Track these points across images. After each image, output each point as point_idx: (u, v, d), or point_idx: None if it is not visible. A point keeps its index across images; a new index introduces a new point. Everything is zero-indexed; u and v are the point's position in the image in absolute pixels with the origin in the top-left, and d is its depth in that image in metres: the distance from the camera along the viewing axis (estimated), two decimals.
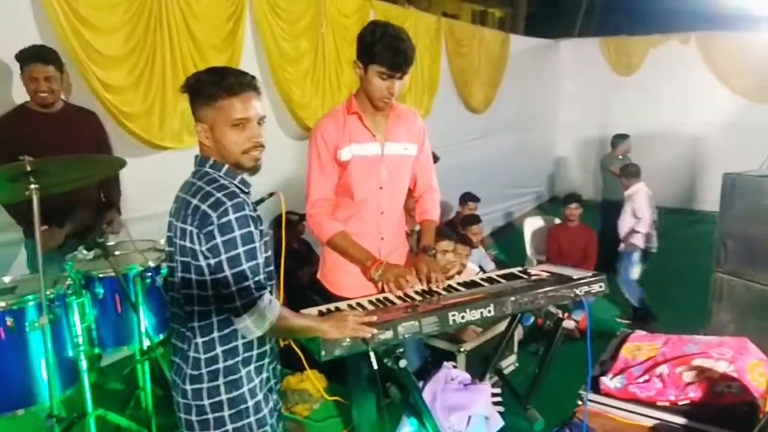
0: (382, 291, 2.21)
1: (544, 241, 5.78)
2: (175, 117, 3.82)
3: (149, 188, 3.67)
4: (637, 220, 5.27)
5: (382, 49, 2.11)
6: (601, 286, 2.21)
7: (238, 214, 1.55)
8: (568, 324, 4.87)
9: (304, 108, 4.81)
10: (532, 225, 6.19)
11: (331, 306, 2.05)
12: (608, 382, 2.00)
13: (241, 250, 1.55)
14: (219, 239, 1.53)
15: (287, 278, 3.41)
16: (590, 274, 2.22)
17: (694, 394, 1.88)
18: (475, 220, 5.26)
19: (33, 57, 2.81)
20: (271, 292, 1.67)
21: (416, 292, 2.14)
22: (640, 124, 8.65)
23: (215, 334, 1.63)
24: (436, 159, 6.66)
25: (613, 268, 6.32)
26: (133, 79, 3.57)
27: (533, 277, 2.28)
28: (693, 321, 4.45)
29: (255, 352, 1.70)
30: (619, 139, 6.62)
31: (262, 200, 3.22)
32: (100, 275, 2.48)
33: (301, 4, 4.75)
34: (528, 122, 9.18)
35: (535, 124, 9.50)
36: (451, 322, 1.90)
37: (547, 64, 9.80)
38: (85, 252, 2.53)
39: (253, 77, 1.67)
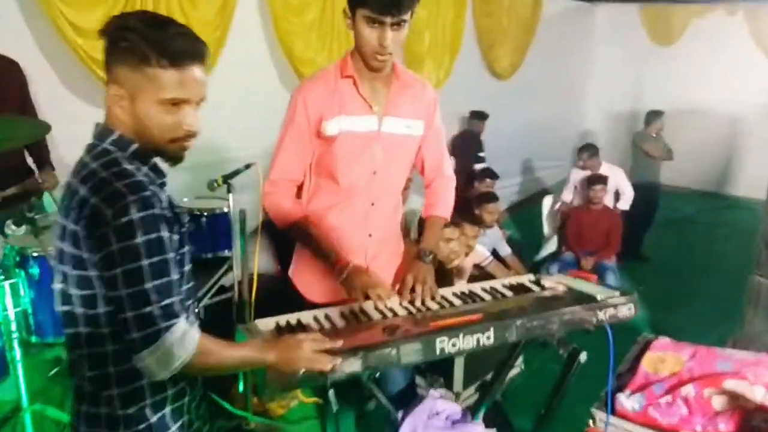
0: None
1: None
2: None
3: None
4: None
5: None
6: (630, 309, 1.80)
7: (142, 213, 1.15)
8: None
9: (307, 63, 4.33)
10: (551, 203, 5.74)
11: (293, 317, 1.66)
12: (625, 401, 1.74)
13: (144, 262, 1.15)
14: (115, 246, 1.14)
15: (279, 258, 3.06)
16: (617, 293, 1.81)
17: (725, 426, 1.65)
18: (492, 198, 4.80)
19: None
20: (188, 317, 1.28)
21: (401, 304, 1.75)
22: (675, 99, 8.05)
23: (110, 369, 1.25)
24: (484, 116, 6.22)
25: (639, 255, 5.98)
26: None
27: (547, 292, 1.87)
28: (722, 324, 4.06)
29: (170, 392, 1.31)
30: (653, 115, 6.14)
31: (237, 172, 2.84)
32: (35, 253, 2.13)
33: None
34: (556, 91, 8.57)
35: (563, 94, 8.88)
36: (438, 351, 1.51)
37: (581, 29, 9.11)
38: (14, 227, 2.17)
39: (205, 44, 1.25)
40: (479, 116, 6.39)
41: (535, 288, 1.92)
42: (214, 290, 3.14)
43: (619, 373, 1.92)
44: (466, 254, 3.77)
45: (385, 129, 1.90)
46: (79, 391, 1.29)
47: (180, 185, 3.16)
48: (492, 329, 1.58)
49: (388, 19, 1.70)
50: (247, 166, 2.56)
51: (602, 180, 5.14)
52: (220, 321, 2.96)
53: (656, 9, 9.04)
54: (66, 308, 1.25)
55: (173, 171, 3.60)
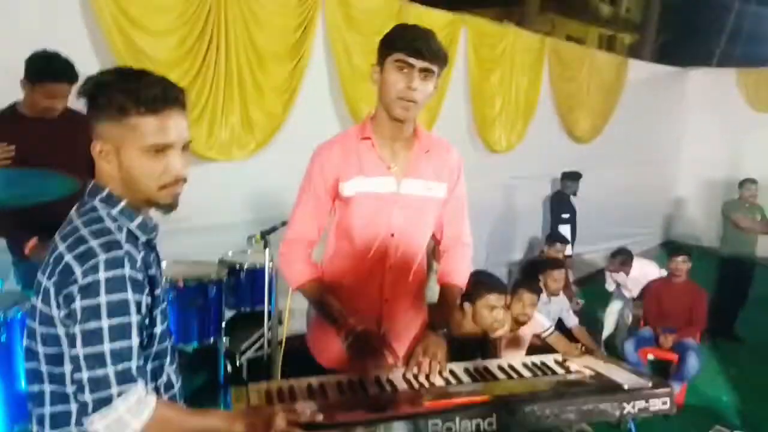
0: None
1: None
2: (224, 129, 3.62)
3: (190, 200, 3.46)
4: None
5: (401, 33, 1.73)
6: (665, 403, 1.60)
7: (110, 273, 1.15)
8: None
9: None
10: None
11: (286, 384, 1.62)
12: None
13: (104, 323, 1.13)
14: (78, 303, 1.14)
15: None
16: (650, 384, 1.62)
17: None
18: (557, 264, 4.58)
19: (52, 74, 2.48)
20: (156, 378, 1.26)
21: (404, 377, 1.66)
22: None
23: (73, 429, 1.23)
24: (576, 176, 6.13)
25: (732, 335, 5.44)
26: (183, 86, 3.36)
27: (571, 376, 1.72)
28: None
29: None
30: (745, 183, 5.69)
31: (274, 228, 2.91)
32: None
33: (381, 16, 4.40)
34: (643, 156, 8.20)
35: (652, 159, 8.49)
36: None
37: (672, 94, 8.76)
38: None
39: (181, 89, 1.28)
40: (569, 177, 6.21)
41: (559, 370, 1.77)
42: (257, 344, 3.16)
43: None
44: (523, 323, 3.58)
45: (404, 190, 1.85)
46: None
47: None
48: (495, 415, 1.46)
49: (419, 63, 1.71)
50: (284, 224, 2.60)
51: (684, 251, 4.78)
52: (264, 376, 2.97)
53: (756, 74, 8.57)
54: (31, 365, 1.24)
55: (246, 224, 3.67)
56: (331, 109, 4.31)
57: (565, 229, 5.96)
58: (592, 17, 21.10)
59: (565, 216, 6.06)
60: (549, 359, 1.85)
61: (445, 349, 1.75)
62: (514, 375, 1.73)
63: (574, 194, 6.20)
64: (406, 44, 1.70)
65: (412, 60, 1.70)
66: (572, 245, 5.96)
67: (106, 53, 3.04)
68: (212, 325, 2.82)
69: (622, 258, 5.18)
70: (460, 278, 1.98)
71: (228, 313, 3.28)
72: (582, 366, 1.78)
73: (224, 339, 2.86)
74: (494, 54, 5.45)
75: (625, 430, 3.76)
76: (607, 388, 1.61)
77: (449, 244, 2.01)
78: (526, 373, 1.74)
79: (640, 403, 1.57)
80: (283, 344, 2.39)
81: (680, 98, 8.90)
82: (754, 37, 13.46)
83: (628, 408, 1.56)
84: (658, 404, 1.59)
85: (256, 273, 3.13)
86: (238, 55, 3.59)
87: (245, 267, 3.18)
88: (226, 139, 3.63)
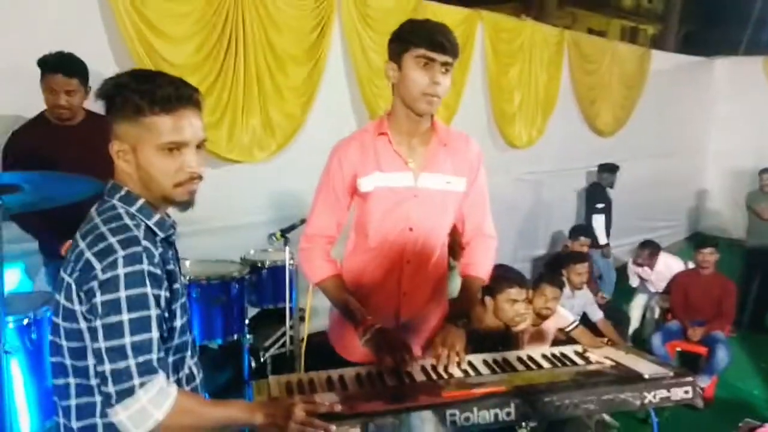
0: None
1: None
2: (245, 131, 3.66)
3: (212, 201, 3.53)
4: None
5: (418, 28, 1.72)
6: (687, 392, 1.59)
7: (129, 269, 1.19)
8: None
9: None
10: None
11: (306, 376, 1.64)
12: None
13: (125, 317, 1.17)
14: (99, 298, 1.18)
15: None
16: (671, 373, 1.60)
17: None
18: (581, 258, 4.53)
19: (54, 66, 2.55)
20: (178, 370, 1.30)
21: (422, 368, 1.67)
22: None
23: (97, 420, 1.27)
24: (612, 168, 6.10)
25: (762, 326, 5.34)
26: (203, 90, 3.33)
27: (591, 366, 1.71)
28: None
29: None
30: (766, 173, 5.56)
31: (293, 227, 2.94)
32: None
33: (397, 15, 4.41)
34: (668, 148, 8.07)
35: (677, 151, 8.34)
36: (448, 424, 1.42)
37: (697, 84, 8.59)
38: None
39: (195, 89, 1.31)
40: (607, 169, 6.18)
41: (579, 361, 1.76)
42: (281, 341, 3.20)
43: None
44: (546, 317, 3.56)
45: (421, 184, 1.86)
46: None
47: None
48: (513, 404, 1.46)
49: (441, 57, 1.71)
50: (303, 221, 2.63)
51: (711, 243, 4.70)
52: (288, 372, 3.00)
53: None
54: (56, 359, 1.29)
55: (267, 224, 3.67)
56: (349, 109, 4.33)
57: (599, 219, 5.93)
58: (613, 9, 20.82)
59: (600, 206, 6.01)
60: (569, 350, 1.84)
61: (464, 341, 1.75)
62: (534, 366, 1.73)
63: (611, 186, 6.16)
64: (427, 39, 1.70)
65: (434, 55, 1.70)
66: (608, 234, 5.95)
67: (127, 60, 3.10)
68: (236, 322, 2.87)
69: (650, 250, 5.11)
70: (481, 270, 1.97)
71: (251, 311, 3.33)
72: (602, 356, 1.77)
73: (248, 336, 2.90)
74: (512, 48, 5.42)
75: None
76: (627, 377, 1.60)
77: (471, 236, 2.01)
78: (546, 364, 1.74)
79: (662, 393, 1.56)
80: (305, 341, 2.41)
81: (706, 88, 8.72)
82: None
83: (649, 397, 1.55)
84: (679, 393, 1.58)
85: (278, 270, 3.17)
86: (256, 58, 3.63)
87: (266, 265, 3.22)
88: (247, 141, 3.67)
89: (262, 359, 3.15)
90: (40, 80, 2.62)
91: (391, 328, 1.79)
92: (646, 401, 1.54)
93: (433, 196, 1.88)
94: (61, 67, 2.57)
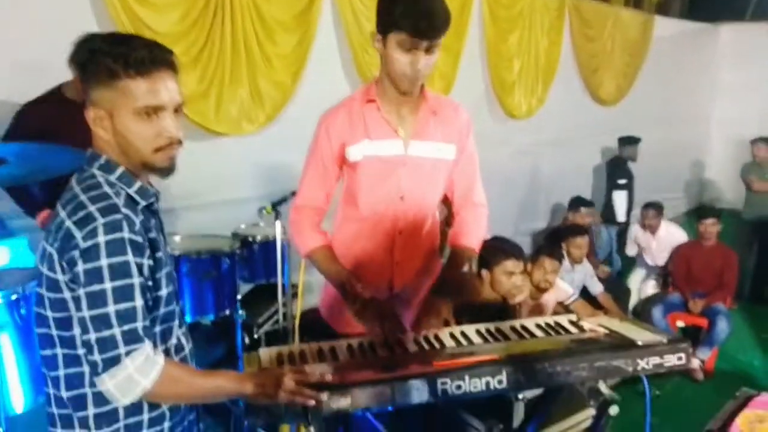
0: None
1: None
2: (233, 102, 3.57)
3: (201, 176, 3.47)
4: None
5: (403, 10, 1.62)
6: (680, 358, 1.53)
7: (110, 237, 1.16)
8: (692, 363, 4.03)
9: None
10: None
11: (297, 348, 1.60)
12: None
13: (107, 285, 1.15)
14: (80, 267, 1.16)
15: None
16: (665, 340, 1.55)
17: None
18: (579, 230, 4.46)
19: None
20: (166, 340, 1.26)
21: (414, 339, 1.62)
22: None
23: (86, 389, 1.25)
24: (636, 140, 5.99)
25: (762, 298, 5.29)
26: (189, 60, 3.34)
27: (585, 335, 1.65)
28: None
29: (146, 416, 1.28)
30: (756, 143, 5.50)
31: (284, 199, 2.87)
32: None
33: None
34: (672, 118, 7.93)
35: (682, 121, 8.21)
36: (440, 393, 1.37)
37: (702, 51, 8.43)
38: None
39: (171, 51, 1.26)
40: (627, 141, 6.07)
41: (573, 329, 1.71)
42: (275, 317, 3.15)
43: (709, 429, 1.71)
44: (545, 290, 3.51)
45: (412, 152, 1.82)
46: (51, 418, 1.31)
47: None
48: (505, 372, 1.41)
49: (424, 44, 1.65)
50: (293, 194, 2.57)
51: (714, 213, 4.62)
52: None
53: None
54: (42, 330, 1.27)
55: (258, 198, 3.61)
56: (342, 77, 4.23)
57: (621, 195, 5.87)
58: None
59: (622, 182, 5.93)
60: (563, 319, 1.79)
61: (446, 311, 1.72)
62: (527, 335, 1.69)
63: (633, 160, 6.05)
64: (411, 25, 1.62)
65: (417, 41, 1.64)
66: (629, 211, 5.88)
67: (111, 28, 3.01)
68: (227, 297, 2.82)
69: (654, 210, 5.02)
70: (470, 239, 1.92)
71: (245, 287, 3.29)
72: (596, 325, 1.72)
73: (240, 312, 2.86)
74: (511, 14, 5.28)
75: (654, 395, 3.70)
76: (620, 344, 1.55)
77: (460, 204, 1.97)
78: (539, 333, 1.69)
79: (655, 359, 1.51)
80: (298, 317, 2.37)
81: (711, 56, 8.57)
82: None
83: (642, 364, 1.50)
84: (673, 360, 1.53)
85: (270, 245, 3.11)
86: (244, 26, 3.53)
87: (258, 239, 3.16)
88: (235, 112, 3.58)
89: (255, 335, 3.11)
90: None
91: (382, 299, 1.75)
92: (639, 368, 1.50)
93: (424, 164, 1.85)
94: None
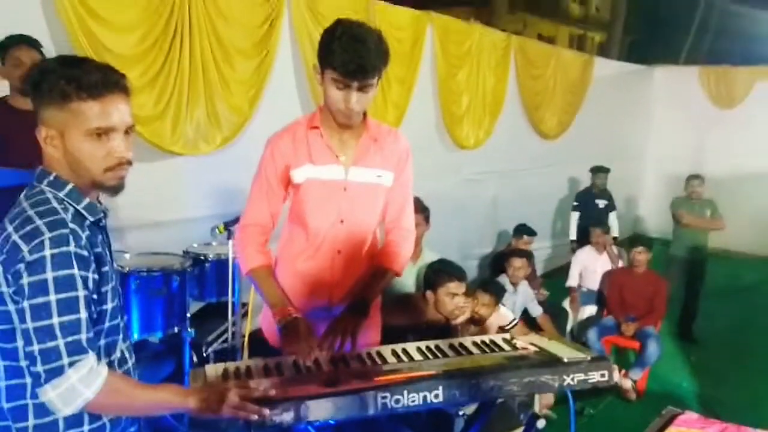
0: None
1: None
2: (189, 123, 3.61)
3: (155, 194, 3.49)
4: None
5: (338, 50, 1.72)
6: (603, 376, 1.69)
7: (56, 250, 1.20)
8: (624, 383, 4.27)
9: None
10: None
11: (243, 364, 1.67)
12: None
13: (52, 297, 1.19)
14: (26, 279, 1.19)
15: None
16: (589, 357, 1.71)
17: None
18: (519, 253, 4.71)
19: (17, 40, 2.65)
20: (110, 354, 1.30)
21: (358, 356, 1.72)
22: (738, 163, 7.71)
23: (28, 401, 1.27)
24: (601, 169, 6.56)
25: (689, 336, 5.52)
26: (146, 81, 3.38)
27: (517, 352, 1.80)
28: (763, 407, 3.71)
29: (86, 428, 1.31)
30: (690, 179, 5.74)
31: (237, 219, 2.93)
32: None
33: (348, 12, 4.41)
34: (608, 153, 8.34)
35: (617, 156, 8.63)
36: (380, 407, 1.47)
37: (638, 91, 8.96)
38: None
39: (123, 75, 1.32)
40: (599, 170, 6.54)
41: (506, 347, 1.85)
42: (224, 336, 3.18)
43: None
44: (479, 321, 3.65)
45: (352, 178, 1.93)
46: None
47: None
48: (441, 387, 1.53)
49: (355, 84, 1.75)
50: (229, 223, 2.64)
51: (643, 242, 4.93)
52: None
53: (717, 72, 8.82)
54: None
55: (212, 218, 3.61)
56: (297, 104, 4.33)
57: (611, 216, 6.29)
58: (562, 17, 21.44)
59: (602, 205, 6.39)
60: (497, 338, 1.93)
61: (354, 327, 1.78)
62: (464, 352, 1.81)
63: (604, 188, 6.50)
64: (343, 66, 1.71)
65: (349, 81, 1.74)
66: (617, 230, 6.30)
67: (68, 50, 3.01)
68: (177, 315, 2.84)
69: (601, 228, 5.42)
70: (392, 263, 2.01)
71: (196, 305, 3.31)
72: (528, 343, 1.86)
73: (190, 330, 2.88)
74: (461, 51, 5.54)
75: (588, 414, 3.88)
76: (548, 361, 1.70)
77: (389, 226, 2.08)
78: (475, 350, 1.82)
79: (579, 375, 1.66)
80: (247, 335, 2.42)
81: (646, 96, 9.11)
82: (721, 35, 13.79)
83: (567, 380, 1.64)
84: (596, 377, 1.68)
85: (221, 264, 3.15)
86: (203, 50, 3.59)
87: (209, 258, 3.20)
88: (192, 133, 3.62)
89: (204, 353, 3.13)
90: (2, 60, 2.67)
91: (304, 319, 1.82)
92: (565, 383, 1.64)
93: (363, 189, 1.95)
94: (21, 39, 2.68)
